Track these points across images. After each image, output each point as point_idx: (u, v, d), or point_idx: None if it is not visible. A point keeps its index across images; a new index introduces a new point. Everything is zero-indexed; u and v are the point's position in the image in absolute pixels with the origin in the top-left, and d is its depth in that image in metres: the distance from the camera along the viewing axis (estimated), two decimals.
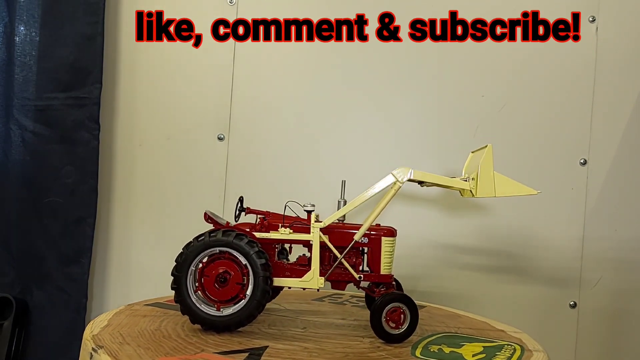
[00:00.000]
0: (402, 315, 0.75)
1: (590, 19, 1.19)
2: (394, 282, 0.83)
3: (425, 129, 1.22)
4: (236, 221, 0.85)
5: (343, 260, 0.78)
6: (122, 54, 1.25)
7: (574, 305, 1.20)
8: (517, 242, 1.20)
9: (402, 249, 1.18)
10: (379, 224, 0.83)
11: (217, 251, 0.77)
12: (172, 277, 0.77)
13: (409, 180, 0.78)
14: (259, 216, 0.83)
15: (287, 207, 0.82)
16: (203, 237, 0.77)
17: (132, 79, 1.25)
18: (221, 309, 0.76)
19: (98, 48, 1.20)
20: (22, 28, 1.21)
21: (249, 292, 0.75)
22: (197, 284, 0.77)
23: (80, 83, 1.20)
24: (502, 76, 1.21)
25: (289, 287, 0.80)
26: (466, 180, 0.77)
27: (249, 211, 0.85)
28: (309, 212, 0.81)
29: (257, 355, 0.68)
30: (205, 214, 0.82)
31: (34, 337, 1.22)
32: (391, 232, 0.81)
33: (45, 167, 1.21)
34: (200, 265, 0.77)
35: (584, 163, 1.20)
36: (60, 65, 1.20)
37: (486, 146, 0.78)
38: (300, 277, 0.78)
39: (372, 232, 0.80)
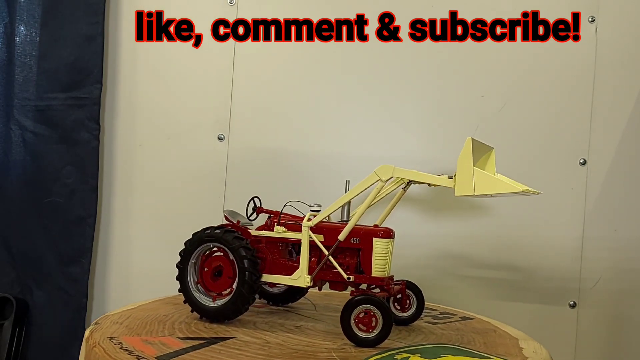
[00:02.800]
0: (373, 319, 0.71)
1: (590, 19, 1.19)
2: (394, 286, 0.80)
3: (426, 129, 1.22)
4: (250, 220, 0.88)
5: (332, 259, 0.77)
6: (122, 54, 1.25)
7: (573, 305, 1.20)
8: (516, 242, 1.20)
9: (400, 249, 1.18)
10: (377, 225, 0.81)
11: (211, 246, 0.81)
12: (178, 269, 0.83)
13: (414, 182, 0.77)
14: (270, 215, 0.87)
15: (290, 206, 0.84)
16: (199, 233, 0.82)
17: (132, 79, 1.25)
18: (216, 301, 0.80)
19: (98, 48, 1.20)
20: (22, 28, 1.21)
21: (234, 285, 0.79)
22: (198, 276, 0.82)
23: (81, 83, 1.20)
24: (502, 76, 1.21)
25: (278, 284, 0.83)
26: (451, 178, 0.72)
27: (260, 211, 0.88)
28: (315, 213, 0.81)
29: (212, 343, 0.71)
30: (224, 213, 0.87)
31: (34, 337, 1.22)
32: (385, 233, 0.78)
33: (46, 167, 1.21)
34: (201, 258, 0.82)
35: (584, 163, 1.20)
36: (61, 65, 1.20)
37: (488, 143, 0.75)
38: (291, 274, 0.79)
39: (363, 233, 0.78)
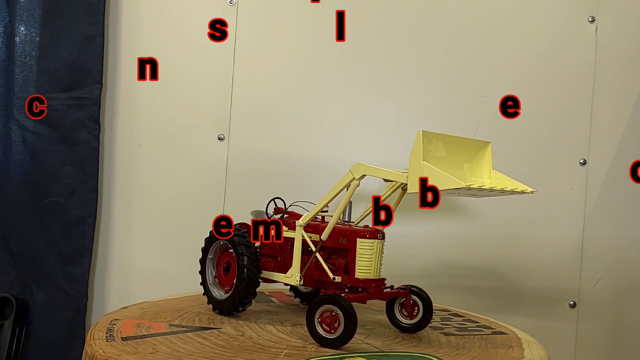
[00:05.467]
0: (335, 320, 0.69)
1: (590, 19, 1.19)
2: (386, 290, 0.78)
3: (426, 129, 1.22)
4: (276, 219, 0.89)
5: (320, 259, 0.77)
6: (122, 54, 1.25)
7: (573, 305, 1.20)
8: (516, 242, 1.20)
9: (399, 248, 1.18)
10: (367, 225, 0.80)
11: (221, 243, 0.85)
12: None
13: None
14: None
15: (298, 206, 0.88)
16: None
17: (132, 79, 1.25)
18: (226, 294, 0.84)
19: (98, 48, 1.20)
20: (22, 28, 1.21)
21: (235, 281, 0.82)
22: (215, 271, 0.87)
23: (81, 83, 1.20)
24: (502, 76, 1.21)
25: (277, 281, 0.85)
26: None
27: (279, 211, 0.89)
28: (322, 213, 0.82)
29: (190, 331, 0.76)
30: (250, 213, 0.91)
31: (34, 337, 1.22)
32: (371, 234, 0.76)
33: (46, 167, 1.21)
34: (218, 254, 0.87)
35: (584, 163, 1.20)
36: (61, 65, 1.20)
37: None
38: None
39: (350, 233, 0.77)
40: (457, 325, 0.89)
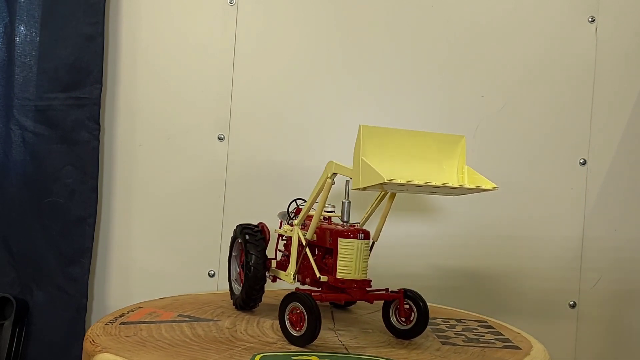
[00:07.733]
0: (301, 318, 0.70)
1: (590, 19, 1.19)
2: (371, 292, 0.76)
3: (426, 129, 1.22)
4: (290, 219, 0.88)
5: (310, 257, 0.77)
6: (122, 54, 1.25)
7: (573, 305, 1.20)
8: (516, 242, 1.20)
9: (398, 247, 1.18)
10: (355, 224, 0.79)
11: (239, 241, 0.88)
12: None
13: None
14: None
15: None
16: (236, 228, 0.91)
17: (132, 79, 1.25)
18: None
19: (98, 48, 1.20)
20: (22, 28, 1.21)
21: (243, 277, 0.85)
22: (238, 268, 0.91)
23: (81, 83, 1.20)
24: (502, 76, 1.22)
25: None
26: None
27: (297, 211, 0.90)
28: (328, 213, 0.85)
29: (189, 321, 0.80)
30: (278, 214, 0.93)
31: (34, 337, 1.22)
32: (353, 234, 0.75)
33: (46, 167, 1.21)
34: (240, 252, 0.90)
35: (584, 163, 1.20)
36: (61, 65, 1.20)
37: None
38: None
39: (334, 232, 0.76)
40: (473, 336, 0.83)
